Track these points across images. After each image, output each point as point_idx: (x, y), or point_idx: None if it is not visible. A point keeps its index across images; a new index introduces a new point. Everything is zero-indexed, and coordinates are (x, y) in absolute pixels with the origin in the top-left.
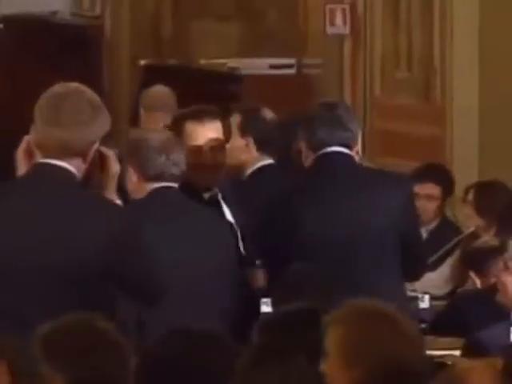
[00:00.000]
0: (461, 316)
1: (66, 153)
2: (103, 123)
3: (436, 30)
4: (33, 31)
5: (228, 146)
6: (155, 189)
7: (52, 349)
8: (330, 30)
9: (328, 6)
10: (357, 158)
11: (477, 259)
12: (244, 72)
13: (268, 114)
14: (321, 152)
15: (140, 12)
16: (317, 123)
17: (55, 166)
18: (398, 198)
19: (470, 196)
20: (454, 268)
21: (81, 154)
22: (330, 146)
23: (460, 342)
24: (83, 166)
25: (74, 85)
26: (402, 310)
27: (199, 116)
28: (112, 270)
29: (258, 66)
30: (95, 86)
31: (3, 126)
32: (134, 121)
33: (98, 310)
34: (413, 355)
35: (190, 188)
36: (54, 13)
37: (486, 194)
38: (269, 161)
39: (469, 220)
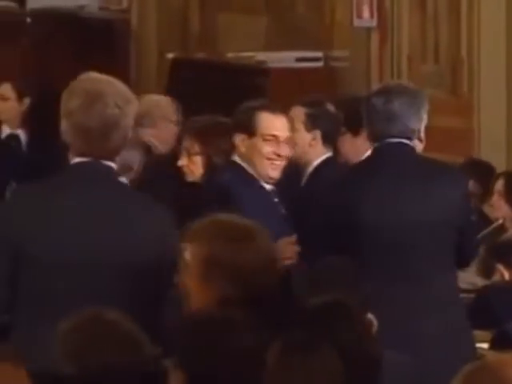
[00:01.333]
0: (489, 309)
1: (102, 156)
2: (131, 114)
3: (463, 22)
4: (60, 25)
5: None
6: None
7: (65, 345)
8: (357, 23)
9: None
10: (419, 148)
11: (506, 252)
12: (271, 65)
13: (330, 106)
14: (380, 142)
15: (167, 5)
16: (375, 114)
17: (95, 163)
18: (455, 192)
19: (499, 185)
20: (482, 261)
21: (117, 151)
22: (390, 136)
23: (488, 334)
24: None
25: (99, 81)
26: (453, 304)
27: (273, 108)
28: (161, 268)
29: (285, 59)
30: (122, 79)
31: None
32: None
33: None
34: (266, 269)
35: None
36: (82, 7)
37: None
38: (330, 153)
39: (495, 210)
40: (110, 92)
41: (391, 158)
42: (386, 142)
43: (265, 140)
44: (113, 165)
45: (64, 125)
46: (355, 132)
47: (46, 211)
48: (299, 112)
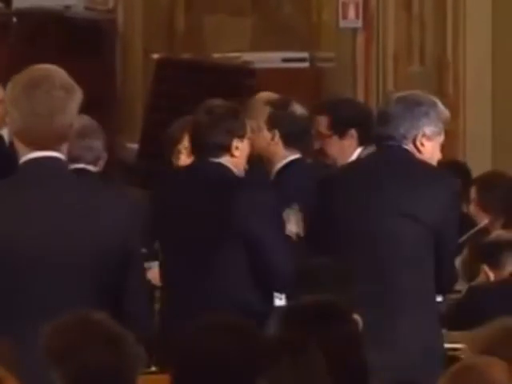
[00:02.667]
0: (475, 309)
1: (49, 142)
2: (78, 102)
3: (449, 23)
4: (46, 25)
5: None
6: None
7: (51, 347)
8: (342, 24)
9: (341, 0)
10: (419, 155)
11: (490, 252)
12: (257, 66)
13: (297, 108)
14: (378, 145)
15: (153, 5)
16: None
17: (47, 157)
18: (441, 198)
19: (473, 193)
20: (465, 262)
21: (64, 139)
22: (383, 140)
23: (464, 334)
24: (67, 146)
25: (43, 68)
26: (425, 306)
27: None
28: (129, 257)
29: (271, 59)
30: (108, 79)
31: None
32: (147, 113)
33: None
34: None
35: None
36: (68, 7)
37: (487, 189)
38: (296, 155)
39: (477, 219)
40: (56, 76)
41: (378, 160)
42: (380, 145)
43: None
44: (61, 156)
45: (11, 114)
46: (342, 134)
47: (4, 214)
48: (264, 111)
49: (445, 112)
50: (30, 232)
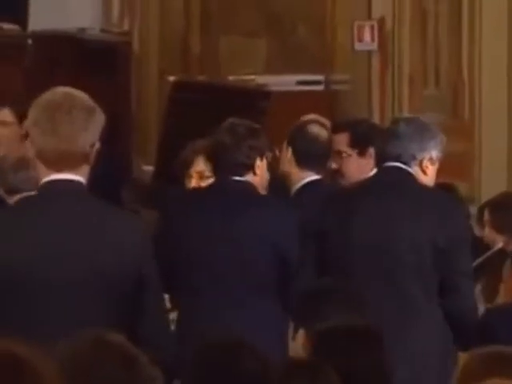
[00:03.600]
0: (491, 332)
1: (70, 163)
2: (99, 122)
3: (464, 45)
4: (61, 47)
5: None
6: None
7: (66, 367)
8: (358, 47)
9: (356, 23)
10: (424, 177)
11: None
12: (272, 88)
13: (314, 128)
14: (381, 165)
15: (169, 28)
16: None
17: (65, 180)
18: (443, 222)
19: (486, 216)
20: (486, 286)
21: (84, 159)
22: (388, 160)
23: None
24: (88, 169)
25: (64, 90)
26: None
27: None
28: (142, 279)
29: (286, 82)
30: (123, 101)
31: None
32: (162, 135)
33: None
34: None
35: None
36: (83, 29)
37: (500, 210)
38: (314, 177)
39: (491, 242)
40: (77, 97)
41: (384, 181)
42: (383, 166)
43: None
44: (80, 179)
45: (32, 135)
46: (361, 152)
47: (18, 234)
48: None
49: (444, 139)
50: (44, 254)
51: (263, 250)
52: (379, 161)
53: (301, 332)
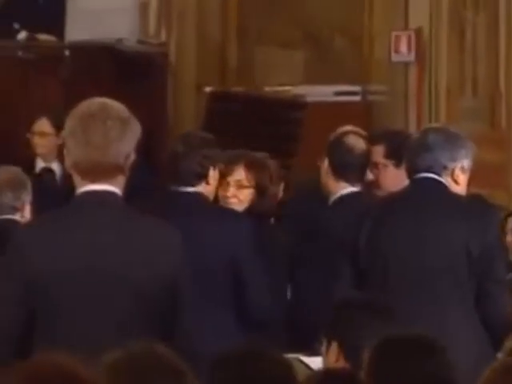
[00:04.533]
0: None
1: (105, 174)
2: (134, 133)
3: (501, 55)
4: (98, 58)
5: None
6: None
7: (116, 377)
8: (395, 57)
9: (393, 33)
10: (456, 186)
11: None
12: (309, 99)
13: (350, 139)
14: (413, 177)
15: (206, 39)
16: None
17: (100, 191)
18: (490, 230)
19: (510, 225)
20: None
21: (119, 170)
22: (420, 171)
23: None
24: (123, 180)
25: (100, 101)
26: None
27: None
28: (174, 290)
29: (323, 93)
30: (160, 112)
31: None
32: None
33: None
34: None
35: None
36: (120, 40)
37: None
38: (350, 188)
39: None
40: (112, 107)
41: (418, 192)
42: (415, 177)
43: None
44: (115, 190)
45: (68, 146)
46: (398, 163)
47: (55, 247)
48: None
49: (475, 148)
50: (81, 266)
51: (221, 261)
52: (410, 172)
53: (333, 347)
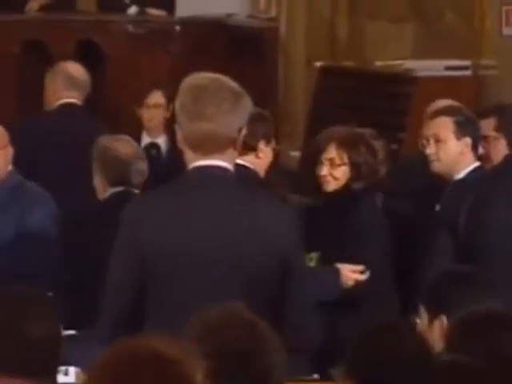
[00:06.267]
0: None
1: (217, 147)
2: (247, 107)
3: None
4: (208, 33)
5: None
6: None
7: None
8: (506, 31)
9: (504, 7)
10: None
11: None
12: (419, 73)
13: (470, 113)
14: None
15: (315, 14)
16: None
17: (211, 166)
18: None
19: None
20: None
21: (231, 144)
22: None
23: None
24: (235, 155)
25: (211, 74)
26: None
27: None
28: (290, 269)
29: (433, 67)
30: (270, 87)
31: None
32: (309, 120)
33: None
34: None
35: None
36: (230, 15)
37: None
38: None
39: None
40: (224, 80)
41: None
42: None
43: None
44: (228, 165)
45: (179, 119)
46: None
47: (169, 219)
48: (447, 121)
49: None
50: (195, 242)
51: None
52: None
53: (438, 321)
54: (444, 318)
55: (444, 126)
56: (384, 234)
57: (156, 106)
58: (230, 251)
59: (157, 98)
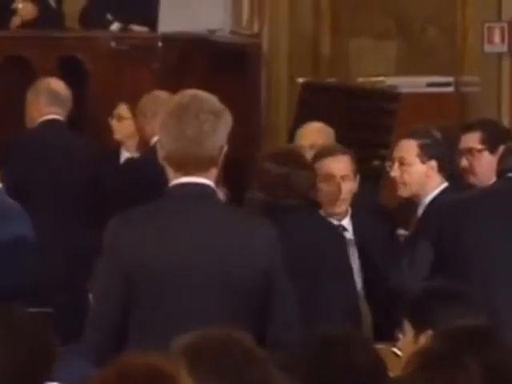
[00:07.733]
0: None
1: (198, 167)
2: (227, 124)
3: None
4: (191, 49)
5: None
6: None
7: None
8: (487, 48)
9: (486, 25)
10: None
11: None
12: (402, 90)
13: (437, 133)
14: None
15: (298, 30)
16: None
17: (194, 183)
18: None
19: None
20: None
21: (213, 163)
22: (508, 170)
23: None
24: (216, 172)
25: (192, 93)
26: None
27: None
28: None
29: (415, 83)
30: (253, 103)
31: None
32: (292, 138)
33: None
34: None
35: None
36: (213, 31)
37: None
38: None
39: None
40: (205, 100)
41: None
42: (505, 177)
43: None
44: (209, 182)
45: (161, 139)
46: (493, 149)
47: (152, 236)
48: (412, 145)
49: None
50: (175, 256)
51: None
52: (502, 171)
53: (424, 336)
54: (430, 334)
55: (408, 150)
56: None
57: (120, 118)
58: (215, 266)
59: (122, 110)
